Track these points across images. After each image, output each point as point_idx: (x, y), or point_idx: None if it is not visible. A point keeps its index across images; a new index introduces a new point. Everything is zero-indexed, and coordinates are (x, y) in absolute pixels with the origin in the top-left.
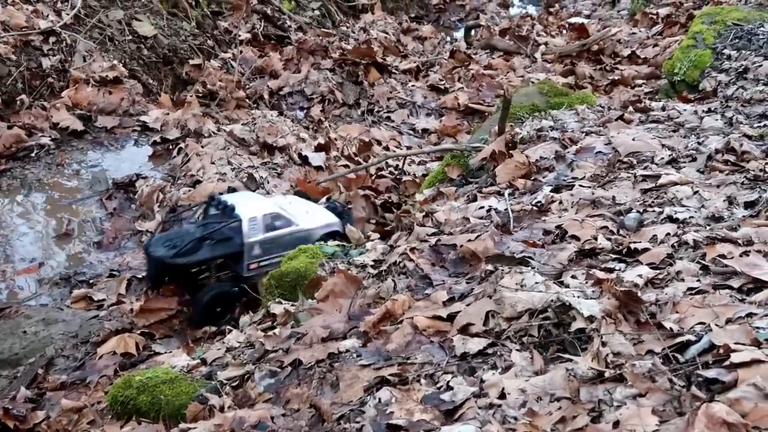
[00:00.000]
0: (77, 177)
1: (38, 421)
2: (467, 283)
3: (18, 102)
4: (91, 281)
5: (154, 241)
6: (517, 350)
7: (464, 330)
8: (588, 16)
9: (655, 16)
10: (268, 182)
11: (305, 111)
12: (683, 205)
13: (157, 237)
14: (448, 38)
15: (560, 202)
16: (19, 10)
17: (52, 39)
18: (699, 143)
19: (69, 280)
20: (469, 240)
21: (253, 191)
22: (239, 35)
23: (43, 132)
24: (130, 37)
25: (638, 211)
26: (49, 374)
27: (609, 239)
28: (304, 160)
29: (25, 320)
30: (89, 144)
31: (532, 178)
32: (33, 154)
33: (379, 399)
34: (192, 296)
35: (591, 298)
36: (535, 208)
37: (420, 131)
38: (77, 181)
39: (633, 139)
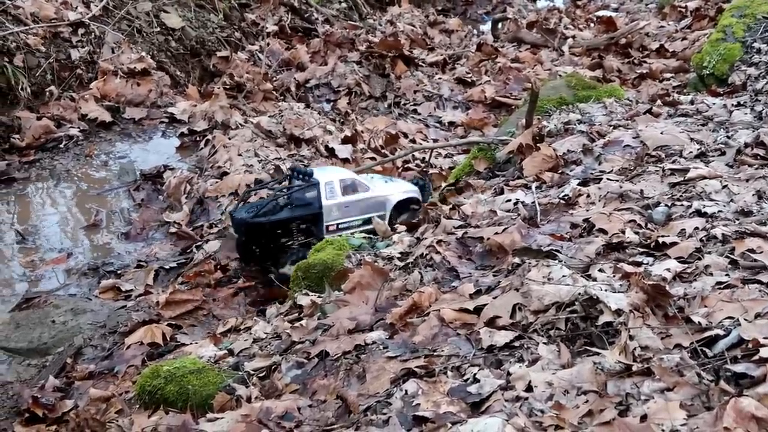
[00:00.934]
0: (105, 168)
1: (66, 410)
2: (494, 275)
3: (47, 93)
4: (119, 272)
5: (238, 209)
6: (544, 343)
7: (491, 323)
8: (616, 9)
9: (683, 9)
10: None
11: (332, 103)
12: (712, 199)
13: (241, 206)
14: (475, 31)
15: (588, 196)
16: (48, 2)
17: (81, 31)
18: (728, 137)
19: (97, 270)
20: (496, 233)
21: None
22: (266, 27)
23: (71, 123)
24: (158, 29)
25: (666, 205)
26: (77, 364)
27: (637, 233)
28: (331, 153)
29: (54, 310)
30: (117, 135)
31: (560, 171)
32: (62, 145)
33: (406, 391)
34: (275, 261)
35: (619, 292)
36: (562, 201)
37: (446, 124)
38: (105, 172)
39: (661, 133)
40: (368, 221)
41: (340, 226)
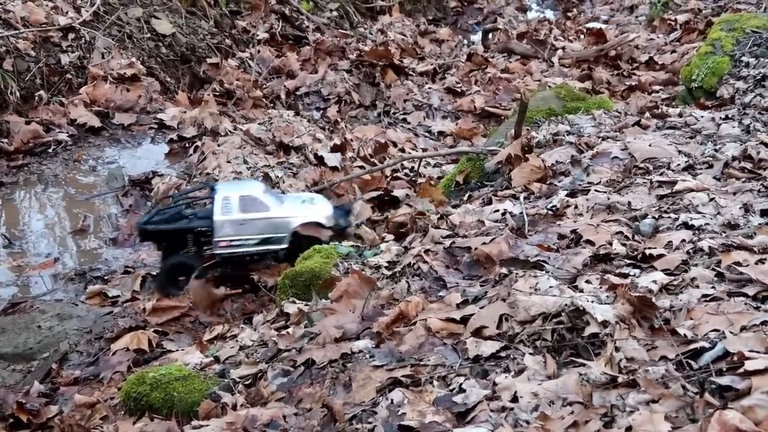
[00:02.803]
0: (94, 173)
1: (51, 416)
2: (481, 285)
3: (36, 98)
4: (105, 277)
5: (150, 212)
6: (530, 354)
7: (477, 333)
8: (606, 22)
9: (673, 23)
10: (284, 182)
11: (322, 111)
12: (699, 212)
13: (155, 210)
14: (466, 41)
15: (575, 207)
16: (39, 7)
17: (71, 35)
18: (716, 150)
19: (84, 276)
20: (484, 243)
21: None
22: (257, 35)
23: (60, 128)
24: (149, 35)
25: (654, 217)
26: (62, 369)
27: (624, 244)
28: (320, 161)
29: (40, 315)
30: (106, 141)
31: (548, 182)
32: (50, 150)
33: (392, 400)
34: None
35: (605, 303)
36: (550, 212)
37: (436, 133)
38: (94, 178)
39: (649, 145)
40: (266, 241)
41: (233, 243)
